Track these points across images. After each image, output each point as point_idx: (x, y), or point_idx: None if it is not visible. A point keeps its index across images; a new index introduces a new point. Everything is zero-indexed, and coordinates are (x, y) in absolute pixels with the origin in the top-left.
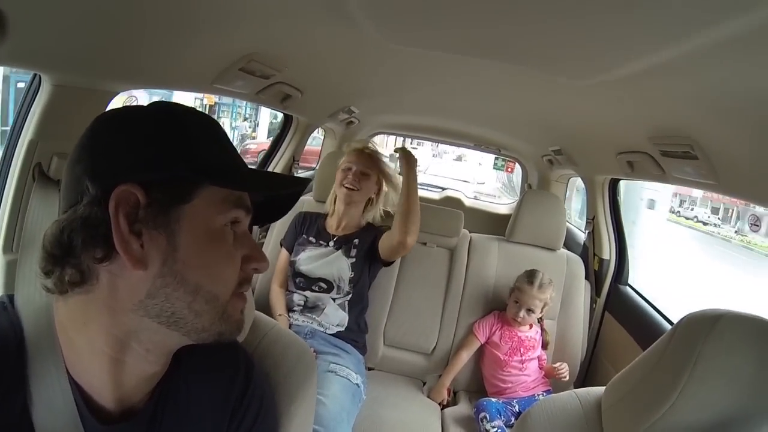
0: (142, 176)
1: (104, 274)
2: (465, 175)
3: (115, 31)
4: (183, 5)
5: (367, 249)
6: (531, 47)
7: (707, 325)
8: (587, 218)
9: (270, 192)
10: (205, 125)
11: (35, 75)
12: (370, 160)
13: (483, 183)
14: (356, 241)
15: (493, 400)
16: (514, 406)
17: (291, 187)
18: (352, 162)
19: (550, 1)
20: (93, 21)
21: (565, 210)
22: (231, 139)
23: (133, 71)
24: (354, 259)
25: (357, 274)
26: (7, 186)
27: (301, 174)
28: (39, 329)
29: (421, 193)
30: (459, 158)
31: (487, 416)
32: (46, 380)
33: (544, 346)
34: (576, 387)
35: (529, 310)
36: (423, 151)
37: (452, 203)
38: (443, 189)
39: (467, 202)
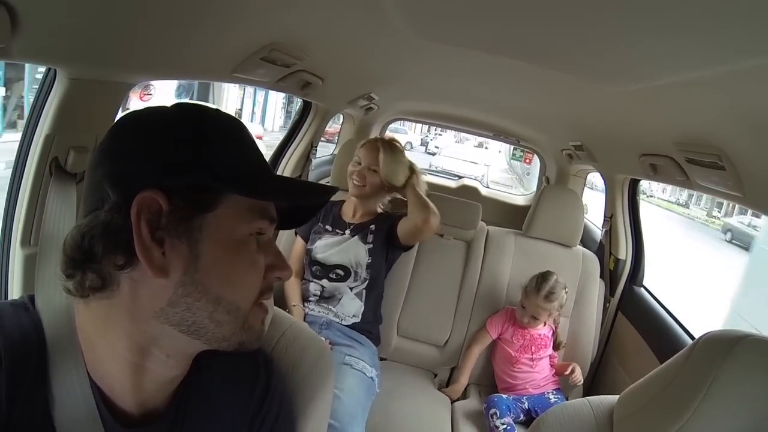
0: (165, 183)
1: (125, 280)
2: (475, 158)
3: (131, 22)
4: None
5: (384, 235)
6: (568, 52)
7: (726, 347)
8: (605, 216)
9: (296, 203)
10: (230, 128)
11: (49, 69)
12: (376, 154)
13: (489, 165)
14: (372, 227)
15: (504, 396)
16: (524, 403)
17: (318, 197)
18: (360, 157)
19: (592, 6)
20: (108, 13)
21: (583, 207)
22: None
23: (150, 62)
24: (371, 245)
25: (374, 259)
26: (23, 180)
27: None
28: (60, 331)
29: (438, 181)
30: (480, 145)
31: (497, 412)
32: (67, 381)
33: (556, 347)
34: (584, 386)
35: (534, 317)
36: (445, 138)
37: (468, 192)
38: (460, 177)
39: (483, 192)
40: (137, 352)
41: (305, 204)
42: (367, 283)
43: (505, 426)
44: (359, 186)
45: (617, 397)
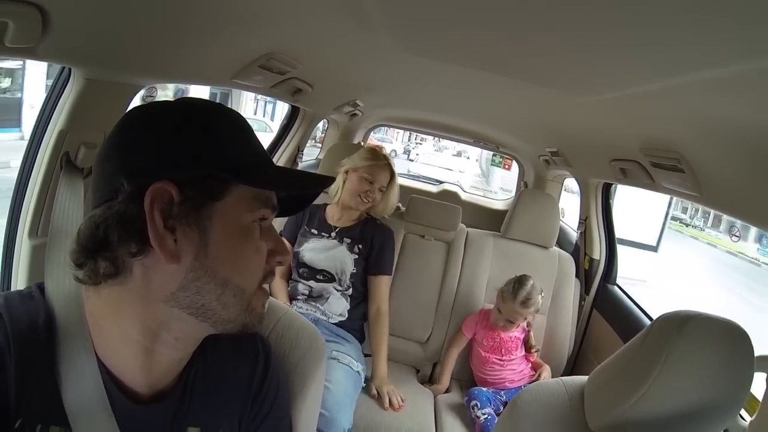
0: (176, 174)
1: (138, 267)
2: (450, 165)
3: (147, 28)
4: (211, 5)
5: (366, 255)
6: (539, 67)
7: (678, 325)
8: (580, 218)
9: (297, 192)
10: (233, 121)
11: (64, 68)
12: (390, 175)
13: (463, 172)
14: (360, 246)
15: (484, 389)
16: (502, 396)
17: (316, 187)
18: (374, 175)
19: (561, 28)
20: (128, 18)
21: (559, 210)
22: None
23: (159, 66)
24: (357, 257)
25: (359, 270)
26: (34, 173)
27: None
28: (69, 316)
29: (419, 185)
30: (459, 154)
31: (478, 404)
32: (77, 364)
33: (528, 349)
34: (559, 375)
35: (510, 321)
36: (426, 146)
37: (449, 197)
38: (441, 182)
39: (463, 196)
40: (148, 336)
41: (306, 192)
42: (351, 290)
43: (485, 416)
44: (366, 203)
45: (587, 377)
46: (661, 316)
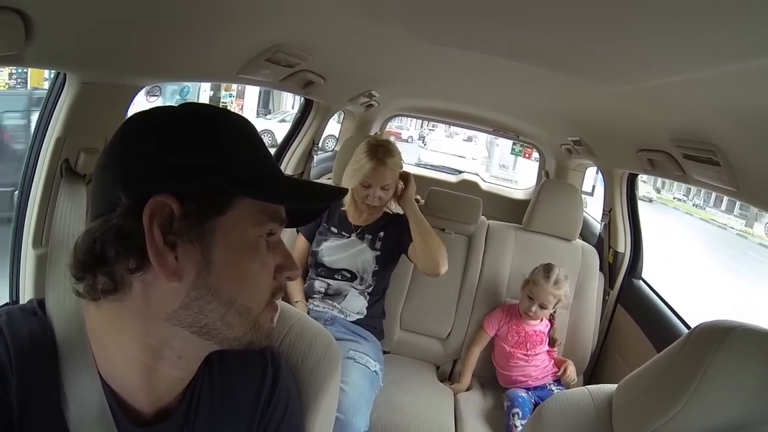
0: (177, 187)
1: (137, 283)
2: (463, 152)
3: (140, 26)
4: None
5: (393, 245)
6: (564, 54)
7: (719, 336)
8: (604, 210)
9: (307, 206)
10: (239, 128)
11: (59, 73)
12: (389, 173)
13: (476, 159)
14: (382, 233)
15: (524, 393)
16: (533, 398)
17: (328, 200)
18: (371, 181)
19: (591, 13)
20: (118, 18)
21: (582, 201)
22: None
23: (158, 65)
24: (379, 252)
25: (381, 266)
26: (35, 182)
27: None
28: (71, 332)
29: (438, 176)
30: (469, 139)
31: (519, 413)
32: (79, 382)
33: (552, 343)
34: (585, 376)
35: (542, 306)
36: (437, 132)
37: (469, 186)
38: (460, 172)
39: (483, 186)
40: (149, 354)
41: (317, 207)
42: (372, 288)
43: (522, 428)
44: (374, 207)
45: (616, 385)
46: (700, 325)
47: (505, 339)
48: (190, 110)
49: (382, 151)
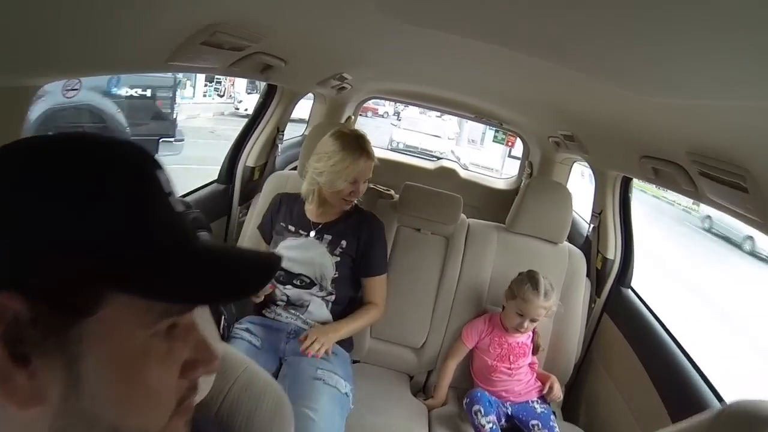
0: (22, 281)
1: None
2: (438, 131)
3: (35, 14)
4: None
5: (354, 255)
6: (570, 47)
7: (757, 421)
8: (593, 211)
9: (216, 300)
10: (126, 175)
11: None
12: (372, 164)
13: (452, 139)
14: (344, 242)
15: (486, 393)
16: (507, 408)
17: (252, 283)
18: (358, 177)
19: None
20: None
21: (572, 202)
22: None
23: (60, 59)
24: (338, 258)
25: (342, 274)
26: None
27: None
28: None
29: (414, 161)
30: (442, 115)
31: (481, 410)
32: None
33: (535, 351)
34: (566, 388)
35: (533, 321)
36: (410, 110)
37: (447, 174)
38: (438, 158)
39: (462, 174)
40: None
41: (234, 298)
42: (333, 296)
43: (491, 425)
44: (353, 203)
45: None
46: (734, 403)
47: (486, 351)
48: (58, 146)
49: (364, 143)
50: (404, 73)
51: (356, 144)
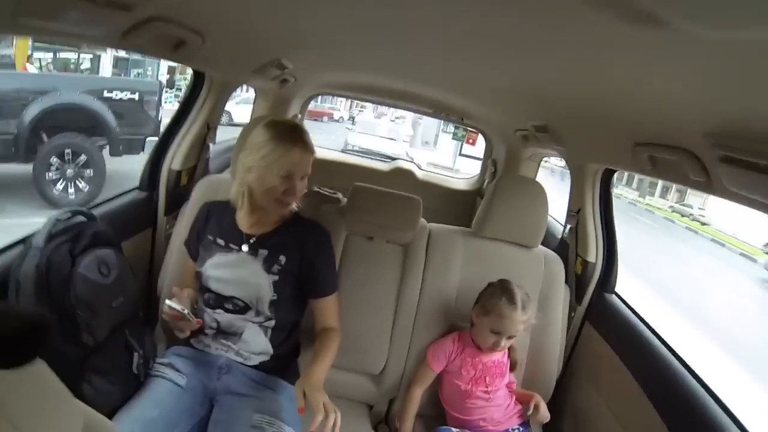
0: None
1: None
2: (392, 134)
3: None
4: None
5: (296, 272)
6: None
7: None
8: (569, 210)
9: None
10: None
11: None
12: (309, 156)
13: (407, 141)
14: (283, 258)
15: (455, 430)
16: None
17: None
18: (294, 170)
19: None
20: None
21: (547, 200)
22: None
23: None
24: (276, 277)
25: (281, 295)
26: None
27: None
28: None
29: (367, 163)
30: (395, 120)
31: None
32: None
33: (512, 367)
34: (548, 403)
35: (510, 336)
36: (365, 113)
37: (402, 175)
38: (393, 159)
39: (419, 175)
40: None
41: None
42: (273, 322)
43: None
44: (290, 205)
45: None
46: None
47: (458, 375)
48: None
49: (300, 132)
50: (353, 60)
51: (290, 133)
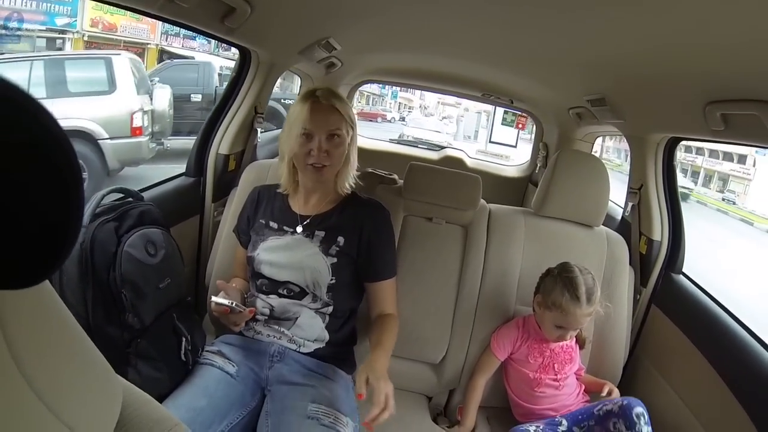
0: None
1: None
2: (439, 128)
3: None
4: None
5: (355, 255)
6: None
7: None
8: (631, 187)
9: None
10: None
11: None
12: (335, 115)
13: (450, 134)
14: (341, 240)
15: (531, 428)
16: (562, 425)
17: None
18: (311, 126)
19: None
20: None
21: (608, 177)
22: None
23: None
24: (335, 260)
25: (340, 279)
26: None
27: None
28: None
29: (416, 152)
30: (443, 119)
31: None
32: None
33: (581, 345)
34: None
35: (576, 328)
36: (414, 113)
37: (452, 163)
38: (442, 148)
39: (469, 163)
40: None
41: None
42: (331, 308)
43: None
44: (320, 168)
45: None
46: None
47: (525, 363)
48: None
49: (322, 92)
50: (402, 37)
51: (308, 92)
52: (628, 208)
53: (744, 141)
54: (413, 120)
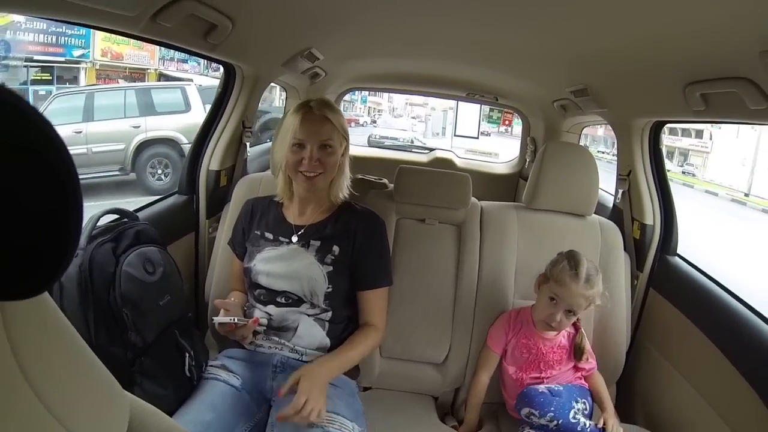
0: None
1: None
2: (405, 126)
3: None
4: None
5: (347, 260)
6: None
7: None
8: (620, 174)
9: None
10: None
11: None
12: (327, 126)
13: (416, 131)
14: (336, 249)
15: (538, 388)
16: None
17: None
18: (302, 136)
19: None
20: None
21: (596, 166)
22: None
23: None
24: (331, 268)
25: (337, 287)
26: None
27: None
28: None
29: (407, 156)
30: (415, 117)
31: (537, 413)
32: None
33: (579, 355)
34: (617, 383)
35: (569, 312)
36: (384, 116)
37: (442, 164)
38: (431, 150)
39: (459, 163)
40: None
41: None
42: (329, 314)
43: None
44: (312, 178)
45: None
46: None
47: (510, 358)
48: None
49: (316, 102)
50: (383, 42)
51: (302, 105)
52: (619, 195)
53: (725, 119)
54: (384, 122)
